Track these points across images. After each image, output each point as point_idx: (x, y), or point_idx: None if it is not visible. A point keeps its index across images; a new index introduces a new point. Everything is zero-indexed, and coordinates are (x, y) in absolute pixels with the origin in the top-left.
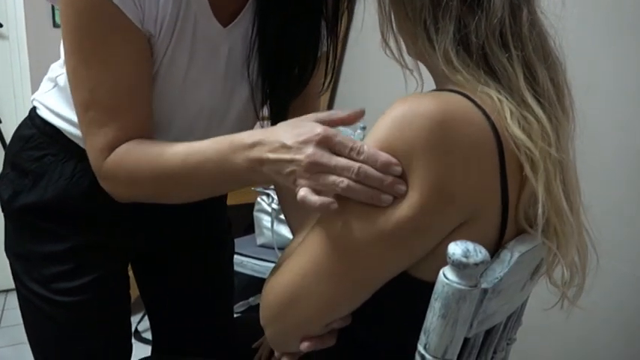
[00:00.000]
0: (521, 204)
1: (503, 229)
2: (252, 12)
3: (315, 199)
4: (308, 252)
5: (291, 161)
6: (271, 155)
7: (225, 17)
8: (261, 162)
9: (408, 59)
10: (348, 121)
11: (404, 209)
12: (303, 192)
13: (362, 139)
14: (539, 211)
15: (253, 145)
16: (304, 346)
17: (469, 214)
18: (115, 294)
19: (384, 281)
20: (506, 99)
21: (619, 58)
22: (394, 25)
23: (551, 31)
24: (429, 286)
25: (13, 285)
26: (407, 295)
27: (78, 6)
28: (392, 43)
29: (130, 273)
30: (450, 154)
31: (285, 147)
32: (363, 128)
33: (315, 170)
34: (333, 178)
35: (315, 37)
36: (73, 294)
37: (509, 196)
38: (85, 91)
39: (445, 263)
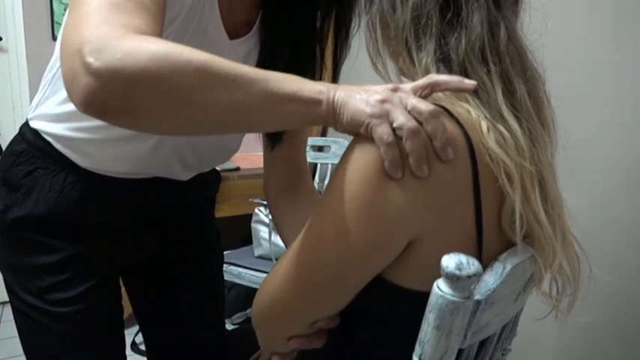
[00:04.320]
0: (504, 215)
1: (480, 242)
2: (257, 37)
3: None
4: (285, 259)
5: (368, 90)
6: (346, 88)
7: (232, 32)
8: (336, 87)
9: (394, 79)
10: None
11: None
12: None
13: None
14: (517, 222)
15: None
16: (291, 342)
17: (428, 224)
18: (108, 303)
19: (354, 286)
20: (484, 114)
21: (612, 68)
22: (379, 45)
23: (532, 45)
24: (408, 293)
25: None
26: (388, 302)
27: None
28: (379, 65)
29: (123, 290)
30: None
31: (362, 89)
32: None
33: (397, 98)
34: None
35: (312, 66)
36: (68, 304)
37: (482, 206)
38: None
39: (421, 270)
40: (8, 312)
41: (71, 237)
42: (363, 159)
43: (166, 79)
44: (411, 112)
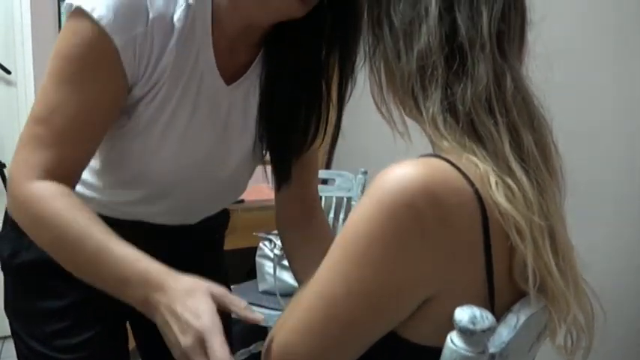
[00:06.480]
0: (515, 268)
1: (492, 292)
2: (257, 74)
3: None
4: (298, 308)
5: (175, 333)
6: (164, 311)
7: (228, 76)
8: (156, 309)
9: (399, 121)
10: (242, 316)
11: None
12: None
13: (363, 184)
14: (530, 278)
15: (158, 288)
16: None
17: (442, 282)
18: (113, 350)
19: (368, 341)
20: (492, 167)
21: (620, 102)
22: (384, 92)
23: (537, 91)
24: (421, 349)
25: (9, 332)
26: (400, 358)
27: (82, 35)
28: (384, 110)
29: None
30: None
31: (175, 315)
32: (365, 173)
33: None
34: None
35: (317, 104)
36: (74, 351)
37: (493, 259)
38: (44, 108)
39: (434, 327)
40: (9, 347)
41: (78, 283)
42: (380, 228)
43: (37, 238)
44: None
